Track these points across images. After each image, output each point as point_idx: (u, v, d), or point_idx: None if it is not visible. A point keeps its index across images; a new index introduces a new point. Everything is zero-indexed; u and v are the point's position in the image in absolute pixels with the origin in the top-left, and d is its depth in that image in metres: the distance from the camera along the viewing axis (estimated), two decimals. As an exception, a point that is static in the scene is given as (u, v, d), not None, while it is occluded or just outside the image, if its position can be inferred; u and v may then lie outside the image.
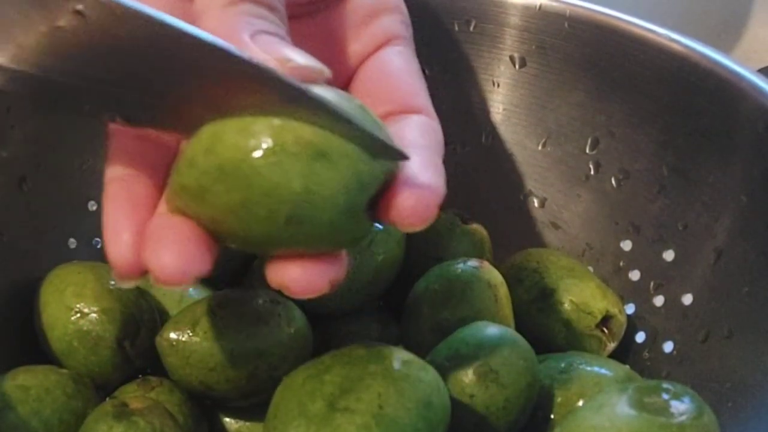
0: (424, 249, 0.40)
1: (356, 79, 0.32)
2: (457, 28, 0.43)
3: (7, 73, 0.25)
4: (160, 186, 0.27)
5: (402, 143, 0.26)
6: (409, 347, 0.36)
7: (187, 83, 0.25)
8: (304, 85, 0.24)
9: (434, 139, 0.29)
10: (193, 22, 0.29)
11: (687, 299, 0.38)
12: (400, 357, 0.29)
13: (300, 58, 0.25)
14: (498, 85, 0.43)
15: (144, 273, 0.25)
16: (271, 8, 0.27)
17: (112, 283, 0.36)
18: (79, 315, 0.35)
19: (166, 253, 0.24)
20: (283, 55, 0.25)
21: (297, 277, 0.24)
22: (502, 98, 0.43)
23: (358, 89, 0.32)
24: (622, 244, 0.41)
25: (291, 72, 0.24)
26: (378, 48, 0.32)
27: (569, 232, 0.43)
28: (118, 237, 0.25)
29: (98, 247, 0.41)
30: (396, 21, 0.33)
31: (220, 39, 0.24)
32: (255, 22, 0.26)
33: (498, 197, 0.44)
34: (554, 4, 0.41)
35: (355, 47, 0.32)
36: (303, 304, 0.36)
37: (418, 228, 0.25)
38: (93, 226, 0.41)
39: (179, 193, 0.25)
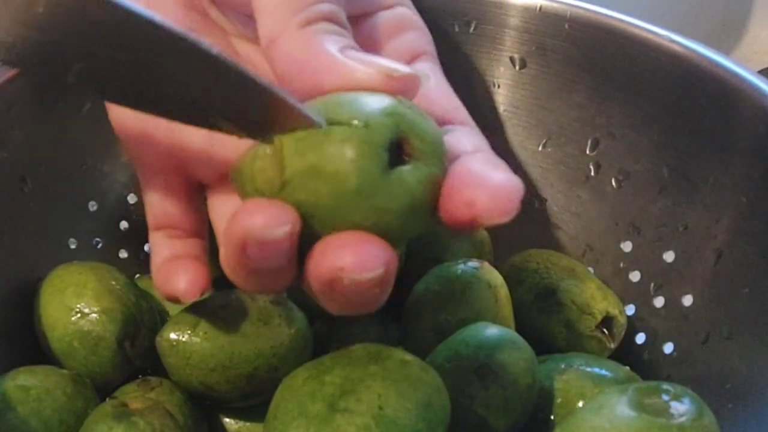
0: (424, 250, 0.40)
1: None
2: (457, 29, 0.43)
3: None
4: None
5: (459, 149, 0.27)
6: (409, 348, 0.36)
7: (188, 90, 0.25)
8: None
9: (487, 145, 0.29)
10: (219, 42, 0.30)
11: (687, 300, 0.38)
12: (400, 358, 0.29)
13: (400, 67, 0.25)
14: (498, 86, 0.43)
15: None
16: (344, 26, 0.28)
17: (113, 283, 0.36)
18: (79, 315, 0.35)
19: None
20: (386, 66, 0.25)
21: (353, 258, 0.23)
22: (503, 99, 0.43)
23: None
24: (622, 245, 0.41)
25: (397, 81, 0.25)
26: (407, 63, 0.32)
27: (569, 233, 0.43)
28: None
29: (98, 247, 0.41)
30: (421, 37, 0.33)
31: (307, 58, 0.25)
32: (337, 39, 0.27)
33: (498, 198, 0.44)
34: (554, 5, 0.41)
35: None
36: (303, 305, 0.36)
37: (503, 220, 0.24)
38: (93, 226, 0.41)
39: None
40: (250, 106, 0.25)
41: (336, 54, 0.26)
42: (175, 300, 0.32)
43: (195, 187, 0.33)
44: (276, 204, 0.24)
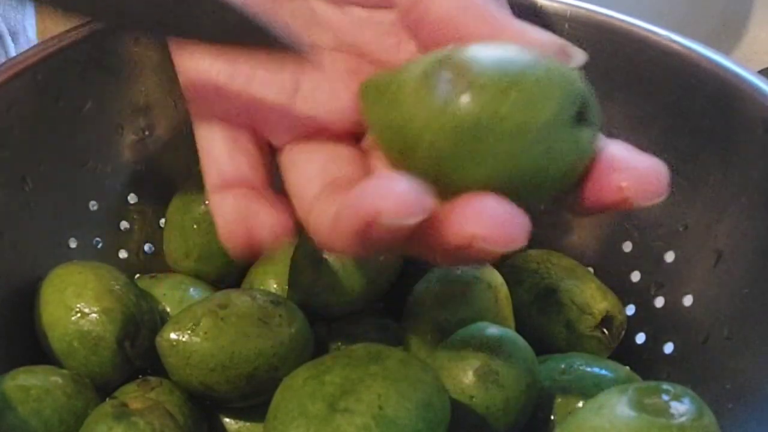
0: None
1: None
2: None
3: None
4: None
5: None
6: (409, 348, 0.36)
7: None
8: None
9: None
10: None
11: (687, 300, 0.38)
12: (400, 358, 0.29)
13: (561, 40, 0.26)
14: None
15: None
16: None
17: (113, 283, 0.36)
18: (79, 315, 0.35)
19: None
20: (553, 37, 0.26)
21: (494, 221, 0.22)
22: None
23: None
24: (622, 245, 0.41)
25: (562, 53, 0.26)
26: None
27: (569, 233, 0.43)
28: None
29: (98, 247, 0.41)
30: None
31: (450, 16, 0.26)
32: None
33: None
34: (554, 5, 0.41)
35: None
36: (304, 306, 0.36)
37: (654, 202, 0.24)
38: (93, 226, 0.41)
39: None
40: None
41: (498, 14, 0.26)
42: (255, 254, 0.29)
43: (266, 148, 0.31)
44: (414, 187, 0.22)
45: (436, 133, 0.23)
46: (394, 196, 0.22)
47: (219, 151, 0.30)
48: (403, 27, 0.29)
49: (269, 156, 0.31)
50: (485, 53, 0.23)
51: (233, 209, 0.29)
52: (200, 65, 0.30)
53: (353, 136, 0.30)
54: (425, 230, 0.23)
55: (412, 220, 0.22)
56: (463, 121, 0.22)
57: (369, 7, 0.31)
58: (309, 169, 0.29)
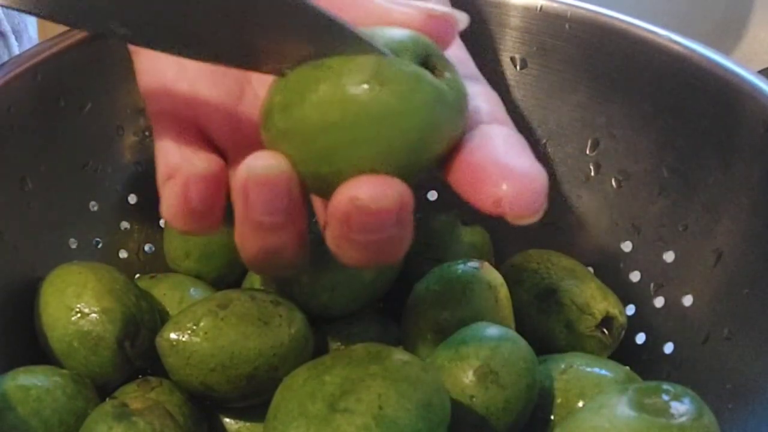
0: (424, 250, 0.40)
1: None
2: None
3: None
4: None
5: (477, 113, 0.27)
6: (409, 348, 0.36)
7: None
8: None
9: (501, 104, 0.30)
10: None
11: (687, 300, 0.38)
12: (400, 358, 0.29)
13: (439, 6, 0.26)
14: (498, 86, 0.43)
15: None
16: None
17: (113, 283, 0.36)
18: (79, 315, 0.35)
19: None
20: (421, 8, 0.26)
21: (369, 189, 0.25)
22: (503, 99, 0.43)
23: None
24: (622, 245, 0.41)
25: (436, 21, 0.26)
26: None
27: (569, 233, 0.43)
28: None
29: (98, 247, 0.41)
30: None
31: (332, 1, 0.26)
32: None
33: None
34: (555, 5, 0.41)
35: None
36: (304, 305, 0.36)
37: (531, 221, 0.25)
38: (93, 226, 0.41)
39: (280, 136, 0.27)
40: (303, 34, 0.25)
41: None
42: (192, 227, 0.30)
43: (214, 148, 0.32)
44: (273, 153, 0.26)
45: (322, 129, 0.25)
46: (260, 157, 0.26)
47: (168, 145, 0.31)
48: None
49: (219, 156, 0.32)
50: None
51: (174, 192, 0.29)
52: (156, 65, 0.30)
53: None
54: (327, 215, 0.26)
55: (274, 170, 0.26)
56: (336, 116, 0.25)
57: None
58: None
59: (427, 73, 0.25)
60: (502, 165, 0.25)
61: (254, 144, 0.30)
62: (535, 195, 0.24)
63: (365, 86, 0.25)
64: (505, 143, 0.26)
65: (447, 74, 0.26)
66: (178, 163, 0.29)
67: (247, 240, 0.28)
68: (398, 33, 0.26)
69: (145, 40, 0.27)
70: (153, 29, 0.26)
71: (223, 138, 0.31)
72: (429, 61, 0.26)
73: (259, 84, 0.31)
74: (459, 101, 0.26)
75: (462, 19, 0.27)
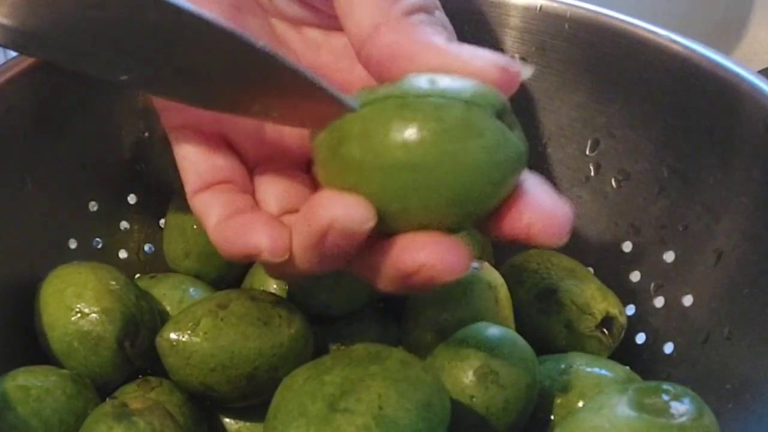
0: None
1: None
2: (457, 29, 0.43)
3: (6, 30, 0.26)
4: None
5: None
6: (409, 348, 0.36)
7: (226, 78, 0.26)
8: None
9: None
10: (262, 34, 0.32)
11: (687, 300, 0.38)
12: (400, 358, 0.29)
13: (503, 60, 0.27)
14: (498, 86, 0.43)
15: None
16: (439, 12, 0.29)
17: (113, 283, 0.36)
18: (79, 315, 0.35)
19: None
20: (494, 59, 0.26)
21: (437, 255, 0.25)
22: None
23: None
24: (622, 245, 0.41)
25: (509, 75, 0.26)
26: None
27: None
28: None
29: (98, 247, 0.41)
30: None
31: (414, 48, 0.27)
32: (438, 30, 0.28)
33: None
34: (554, 5, 0.41)
35: None
36: (304, 305, 0.36)
37: (555, 245, 0.26)
38: (93, 226, 0.41)
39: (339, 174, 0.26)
40: (299, 98, 0.26)
41: (441, 44, 0.27)
42: (247, 258, 0.29)
43: (238, 157, 0.32)
44: (360, 199, 0.25)
45: (404, 167, 0.25)
46: (344, 206, 0.25)
47: (195, 155, 0.31)
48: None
49: (244, 165, 0.32)
50: (418, 92, 0.25)
51: (214, 213, 0.30)
52: None
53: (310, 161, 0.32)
54: (379, 255, 0.26)
55: (366, 226, 0.25)
56: (419, 158, 0.25)
57: (324, 29, 0.33)
58: (274, 189, 0.31)
59: (507, 130, 0.26)
60: (533, 196, 0.26)
61: (277, 156, 0.31)
62: (564, 226, 0.26)
63: (455, 133, 0.25)
64: (532, 181, 0.27)
65: (516, 131, 0.26)
66: (214, 178, 0.30)
67: (300, 261, 0.28)
68: (480, 86, 0.26)
69: (144, 88, 0.28)
70: (153, 81, 0.27)
71: (248, 149, 0.32)
72: (504, 115, 0.26)
73: None
74: (525, 157, 0.26)
75: (527, 72, 0.28)
